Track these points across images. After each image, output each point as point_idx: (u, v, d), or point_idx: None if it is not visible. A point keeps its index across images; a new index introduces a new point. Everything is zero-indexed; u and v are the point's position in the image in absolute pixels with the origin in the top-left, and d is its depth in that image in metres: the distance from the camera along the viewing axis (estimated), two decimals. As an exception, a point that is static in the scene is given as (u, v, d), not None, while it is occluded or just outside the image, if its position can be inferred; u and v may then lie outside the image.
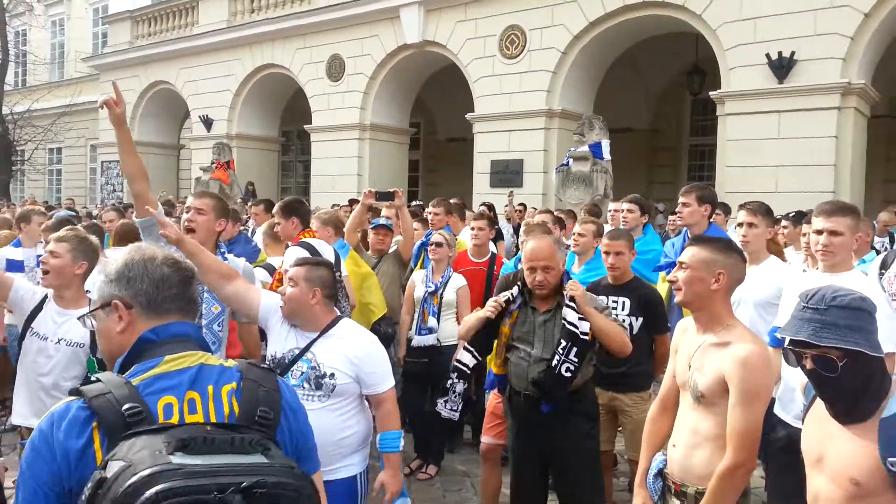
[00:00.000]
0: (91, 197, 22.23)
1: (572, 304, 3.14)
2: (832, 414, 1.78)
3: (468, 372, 3.32)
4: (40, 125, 22.30)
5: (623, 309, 3.91)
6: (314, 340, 2.81)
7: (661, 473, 2.51)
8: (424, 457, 5.02)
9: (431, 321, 4.88)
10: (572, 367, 3.07)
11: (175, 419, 1.33)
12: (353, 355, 2.77)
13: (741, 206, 3.90)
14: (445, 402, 3.40)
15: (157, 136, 20.00)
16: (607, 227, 5.65)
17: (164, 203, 9.86)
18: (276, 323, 2.92)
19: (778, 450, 3.11)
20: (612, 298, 3.90)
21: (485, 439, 3.99)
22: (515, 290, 3.29)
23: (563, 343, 3.09)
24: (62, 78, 24.76)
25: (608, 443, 4.00)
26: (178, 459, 1.20)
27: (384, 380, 2.84)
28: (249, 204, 9.63)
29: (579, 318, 3.11)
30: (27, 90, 24.58)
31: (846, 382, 1.72)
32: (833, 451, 1.70)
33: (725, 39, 10.22)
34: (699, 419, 2.36)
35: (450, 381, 3.39)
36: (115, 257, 1.56)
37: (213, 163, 14.52)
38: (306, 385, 2.76)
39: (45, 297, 3.37)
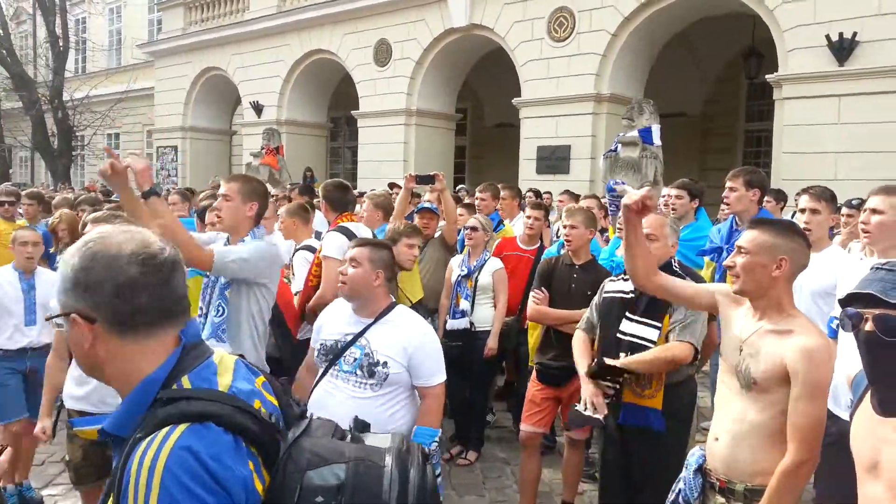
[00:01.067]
0: (147, 181, 22.80)
1: (632, 315, 3.10)
2: (877, 405, 1.54)
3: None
4: (98, 111, 22.97)
5: None
6: (369, 326, 2.76)
7: (701, 469, 2.38)
8: (464, 443, 5.02)
9: (464, 304, 4.86)
10: (644, 380, 3.05)
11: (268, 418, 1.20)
12: (408, 343, 2.72)
13: (804, 191, 3.71)
14: (584, 404, 3.25)
15: (210, 122, 20.41)
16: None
17: (213, 187, 10.08)
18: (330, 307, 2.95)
19: (828, 446, 2.99)
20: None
21: (524, 427, 3.97)
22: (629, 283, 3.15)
23: (623, 356, 3.05)
24: (119, 64, 25.44)
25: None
26: (351, 450, 1.22)
27: (434, 373, 2.77)
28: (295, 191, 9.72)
29: (641, 325, 3.05)
30: (86, 77, 25.34)
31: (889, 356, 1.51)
32: (891, 456, 1.52)
33: (783, 20, 9.83)
34: (746, 408, 2.24)
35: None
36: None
37: (262, 148, 14.72)
38: (359, 372, 2.73)
39: None
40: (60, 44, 22.38)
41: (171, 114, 20.37)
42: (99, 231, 1.23)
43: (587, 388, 3.11)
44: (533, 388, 3.97)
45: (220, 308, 3.17)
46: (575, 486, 4.04)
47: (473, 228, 5.04)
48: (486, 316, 4.87)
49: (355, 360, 2.73)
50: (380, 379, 2.69)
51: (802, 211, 3.55)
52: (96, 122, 23.01)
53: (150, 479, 1.02)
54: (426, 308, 4.96)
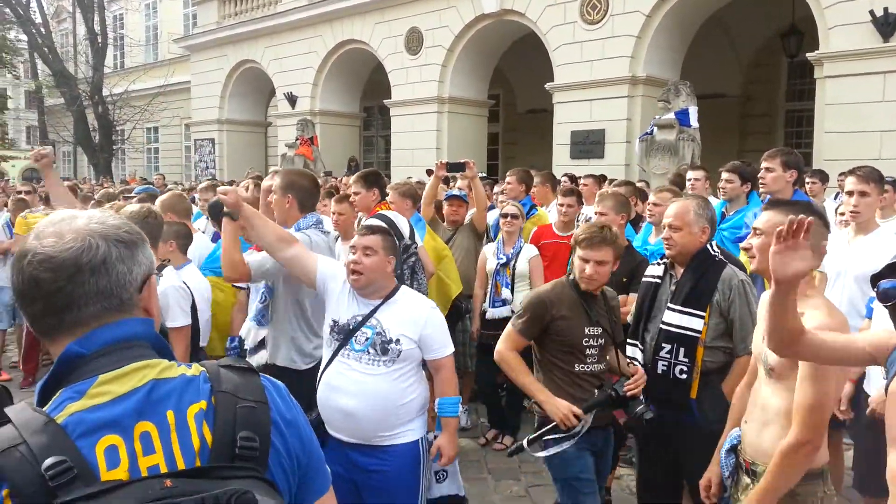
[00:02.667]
0: (186, 174, 23.24)
1: (672, 304, 3.02)
2: None
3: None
4: (137, 105, 23.42)
5: None
6: (378, 307, 2.84)
7: (734, 449, 2.42)
8: (500, 428, 5.04)
9: (505, 293, 4.87)
10: (686, 369, 2.94)
11: (123, 468, 0.95)
12: (419, 319, 2.83)
13: (850, 172, 3.61)
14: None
15: (246, 115, 20.66)
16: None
17: (252, 178, 10.20)
18: (335, 289, 2.94)
19: (864, 428, 2.96)
20: None
21: None
22: (661, 268, 3.17)
23: (668, 346, 2.98)
24: (156, 59, 25.87)
25: None
26: None
27: (444, 345, 2.89)
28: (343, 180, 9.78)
29: (684, 314, 2.96)
30: (124, 72, 25.84)
31: None
32: None
33: (825, -4, 9.56)
34: (770, 394, 2.27)
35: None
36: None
37: (297, 139, 14.86)
38: (371, 351, 2.80)
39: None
40: (99, 40, 22.86)
41: (207, 107, 20.66)
42: (43, 223, 1.10)
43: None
44: None
45: (264, 296, 3.41)
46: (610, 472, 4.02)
47: (514, 216, 5.03)
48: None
49: (367, 339, 2.80)
50: (393, 356, 2.78)
51: (850, 193, 3.45)
52: (135, 117, 23.47)
53: None
54: (462, 295, 4.99)
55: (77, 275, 1.02)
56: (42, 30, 23.44)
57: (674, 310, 3.00)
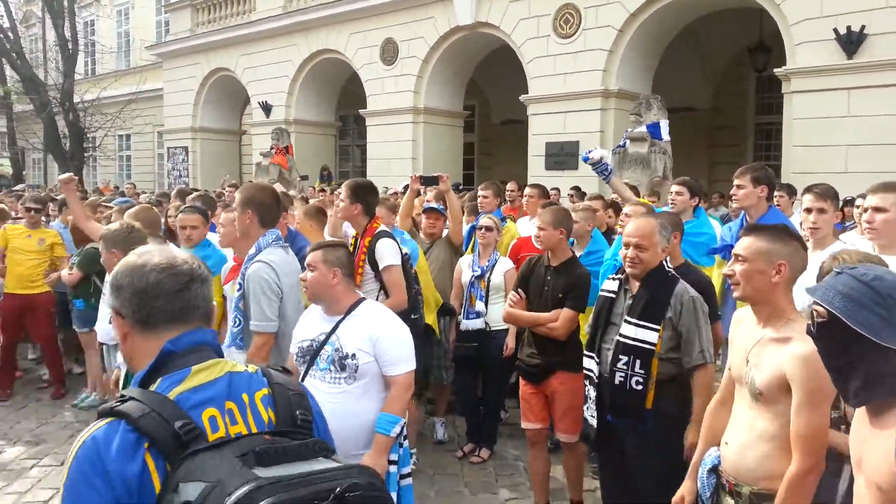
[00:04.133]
0: (159, 182, 22.98)
1: (629, 317, 3.10)
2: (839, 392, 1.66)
3: (595, 379, 3.24)
4: (109, 112, 23.12)
5: None
6: (339, 322, 2.82)
7: (715, 469, 2.42)
8: (476, 441, 5.06)
9: (479, 305, 4.91)
10: (641, 380, 3.03)
11: (221, 432, 1.29)
12: (372, 332, 2.76)
13: (807, 190, 3.71)
14: (586, 408, 3.32)
15: (219, 123, 20.51)
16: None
17: (229, 186, 10.14)
18: (295, 311, 3.04)
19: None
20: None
21: (524, 424, 4.05)
22: (615, 283, 3.27)
23: (625, 358, 3.06)
24: (128, 66, 25.57)
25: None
26: (263, 473, 1.16)
27: (399, 361, 2.78)
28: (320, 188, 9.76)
29: (640, 328, 3.05)
30: (96, 79, 25.49)
31: (824, 348, 1.64)
32: (866, 452, 1.60)
33: (790, 14, 9.80)
34: (755, 417, 2.25)
35: (586, 388, 3.34)
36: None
37: (272, 148, 14.79)
38: (332, 368, 2.77)
39: None
40: (70, 46, 22.52)
41: (180, 115, 20.49)
42: (145, 247, 1.50)
43: None
44: (522, 386, 4.07)
45: (237, 319, 3.36)
46: (578, 485, 4.07)
47: (487, 228, 5.08)
48: (500, 315, 4.90)
49: (328, 356, 2.79)
50: (351, 371, 2.73)
51: (808, 210, 3.55)
52: (107, 124, 23.15)
53: (71, 459, 1.25)
54: (446, 308, 5.04)
55: (191, 282, 1.41)
56: (10, 34, 23.03)
57: (630, 323, 3.09)
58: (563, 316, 3.81)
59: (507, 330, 4.89)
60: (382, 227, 4.18)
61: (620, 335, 3.10)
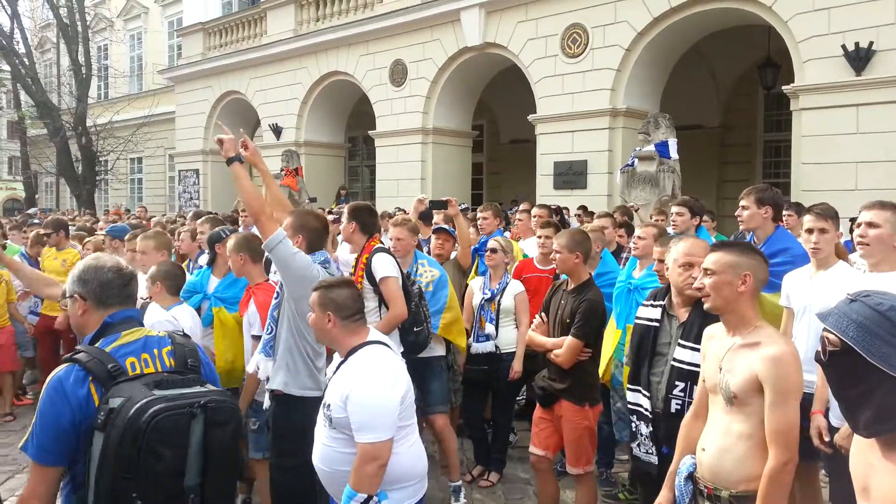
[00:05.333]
0: (171, 204, 23.15)
1: (684, 341, 2.99)
2: (851, 426, 1.63)
3: (648, 414, 3.13)
4: (121, 136, 23.39)
5: None
6: (339, 365, 2.77)
7: (691, 477, 2.50)
8: (486, 464, 5.02)
9: (489, 328, 4.89)
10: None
11: (139, 371, 2.04)
12: (343, 390, 2.61)
13: (807, 211, 3.71)
14: (638, 445, 3.21)
15: (229, 145, 20.64)
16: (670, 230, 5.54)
17: (242, 210, 10.18)
18: None
19: (834, 454, 3.05)
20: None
21: (530, 449, 3.99)
22: (657, 311, 3.19)
23: (681, 385, 2.95)
24: (141, 90, 25.89)
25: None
26: (158, 392, 1.93)
27: (363, 429, 2.54)
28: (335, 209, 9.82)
29: (697, 351, 2.89)
30: (108, 102, 25.82)
31: (835, 378, 1.62)
32: (876, 482, 1.58)
33: (798, 31, 9.81)
34: (731, 421, 2.39)
35: (634, 425, 3.25)
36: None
37: (282, 170, 14.88)
38: (324, 410, 2.73)
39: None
40: (83, 71, 22.86)
41: (191, 137, 20.68)
42: (96, 255, 2.33)
43: None
44: (536, 409, 4.03)
45: (270, 327, 3.55)
46: None
47: (493, 251, 5.07)
48: (511, 338, 4.90)
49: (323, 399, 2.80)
50: (328, 420, 2.67)
51: (810, 231, 3.53)
52: (119, 148, 23.41)
53: (44, 390, 2.01)
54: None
55: (132, 280, 2.26)
56: (25, 60, 23.42)
57: (686, 347, 2.96)
58: (566, 344, 3.74)
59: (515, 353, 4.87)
60: (379, 245, 4.22)
61: (675, 360, 2.98)
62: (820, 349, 1.62)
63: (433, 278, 4.60)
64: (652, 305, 3.25)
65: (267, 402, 3.56)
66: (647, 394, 3.12)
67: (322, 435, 2.74)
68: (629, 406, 3.27)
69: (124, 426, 1.83)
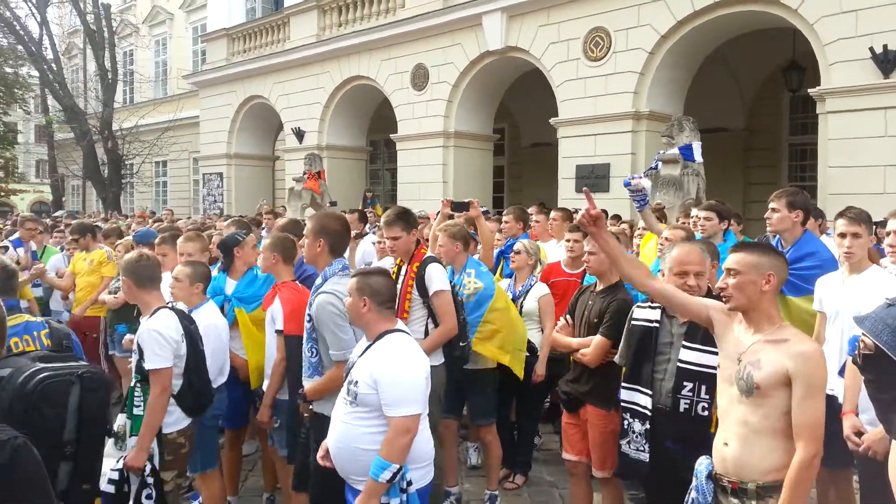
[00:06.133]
0: (195, 207, 23.43)
1: (689, 343, 3.06)
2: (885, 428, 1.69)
3: (646, 412, 3.19)
4: (146, 140, 23.73)
5: None
6: (367, 348, 2.91)
7: (710, 475, 2.55)
8: (511, 467, 5.03)
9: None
10: (707, 406, 2.98)
11: (21, 349, 2.65)
12: (374, 368, 2.76)
13: (840, 215, 3.66)
14: (628, 442, 3.26)
15: (254, 149, 20.90)
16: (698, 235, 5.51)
17: (267, 213, 10.29)
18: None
19: (866, 459, 3.04)
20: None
21: (564, 455, 4.00)
22: (656, 311, 3.26)
23: (689, 385, 3.02)
24: (165, 94, 26.25)
25: None
26: (41, 365, 2.28)
27: (397, 403, 2.71)
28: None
29: (703, 352, 2.99)
30: (134, 107, 26.23)
31: (871, 381, 1.68)
32: None
33: (824, 34, 9.72)
34: (748, 411, 2.45)
35: (626, 422, 3.29)
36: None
37: (304, 173, 15.01)
38: (347, 389, 2.87)
39: None
40: (110, 76, 23.23)
41: (216, 141, 20.92)
42: None
43: None
44: (565, 419, 4.02)
45: (313, 349, 3.43)
46: None
47: (516, 252, 5.08)
48: (535, 341, 4.88)
49: (348, 378, 2.90)
50: (352, 396, 2.80)
51: (843, 235, 3.51)
52: (145, 151, 23.74)
53: None
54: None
55: (15, 274, 3.24)
56: (53, 66, 23.86)
57: (691, 348, 3.05)
58: (594, 343, 3.75)
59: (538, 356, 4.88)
60: (430, 253, 4.22)
61: (682, 361, 3.05)
62: (856, 353, 1.64)
63: (476, 290, 4.44)
64: (650, 307, 3.30)
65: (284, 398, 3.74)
66: (649, 392, 3.19)
67: (340, 413, 2.87)
68: (623, 404, 3.31)
69: (13, 391, 2.16)
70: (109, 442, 3.41)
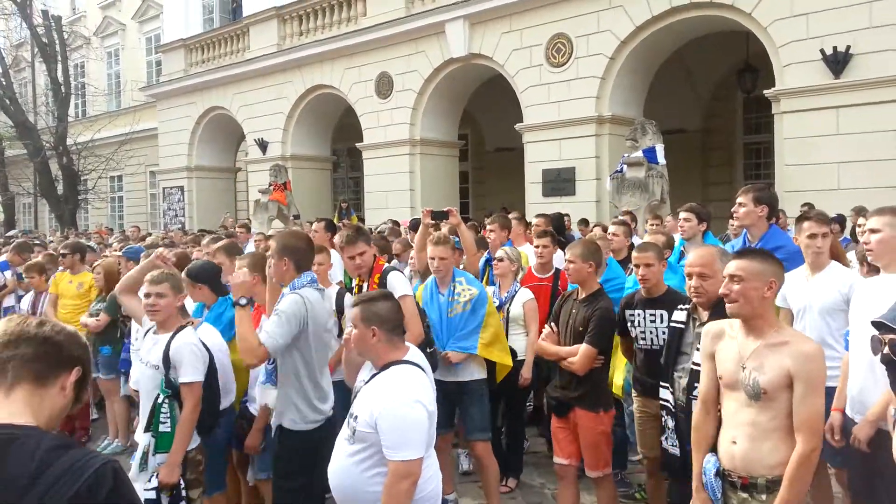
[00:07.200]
0: (152, 222, 23.02)
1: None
2: None
3: (673, 408, 3.31)
4: (102, 154, 23.20)
5: (661, 322, 3.78)
6: (371, 378, 2.77)
7: (719, 473, 2.64)
8: (504, 471, 5.12)
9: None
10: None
11: None
12: (374, 407, 2.59)
13: (804, 218, 3.91)
14: (666, 438, 3.39)
15: (215, 161, 20.60)
16: (676, 236, 5.71)
17: (240, 227, 10.20)
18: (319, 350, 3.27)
19: (855, 450, 3.19)
20: (648, 312, 3.88)
21: (554, 460, 4.12)
22: (683, 314, 3.38)
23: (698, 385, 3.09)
24: (119, 107, 25.72)
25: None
26: None
27: (396, 447, 2.52)
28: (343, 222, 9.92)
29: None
30: (87, 121, 25.62)
31: (892, 372, 1.77)
32: None
33: (777, 37, 10.10)
34: (756, 413, 2.53)
35: (663, 420, 3.41)
36: None
37: (270, 185, 14.92)
38: (349, 420, 2.72)
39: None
40: (63, 90, 22.68)
41: (175, 154, 20.60)
42: None
43: None
44: (554, 423, 4.12)
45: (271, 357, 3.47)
46: None
47: (499, 259, 5.19)
48: (520, 346, 4.99)
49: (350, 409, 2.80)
50: (352, 430, 2.64)
51: (813, 236, 3.75)
52: (100, 166, 23.22)
53: None
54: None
55: None
56: (3, 80, 23.19)
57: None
58: (581, 352, 3.87)
59: (524, 360, 4.99)
60: (388, 264, 4.31)
61: (695, 363, 3.11)
62: (890, 355, 1.75)
63: (472, 296, 4.44)
64: (680, 309, 3.45)
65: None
66: (672, 389, 3.33)
67: (342, 449, 2.71)
68: (661, 402, 3.43)
69: None
70: (133, 465, 3.42)
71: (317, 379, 3.40)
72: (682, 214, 5.26)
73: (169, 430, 3.41)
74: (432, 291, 4.57)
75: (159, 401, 3.47)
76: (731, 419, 2.62)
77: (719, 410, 2.73)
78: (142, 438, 3.51)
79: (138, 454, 3.46)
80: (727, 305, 2.67)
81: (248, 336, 3.19)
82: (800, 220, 4.02)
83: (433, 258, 4.49)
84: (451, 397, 4.42)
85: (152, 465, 3.40)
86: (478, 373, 4.51)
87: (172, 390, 3.46)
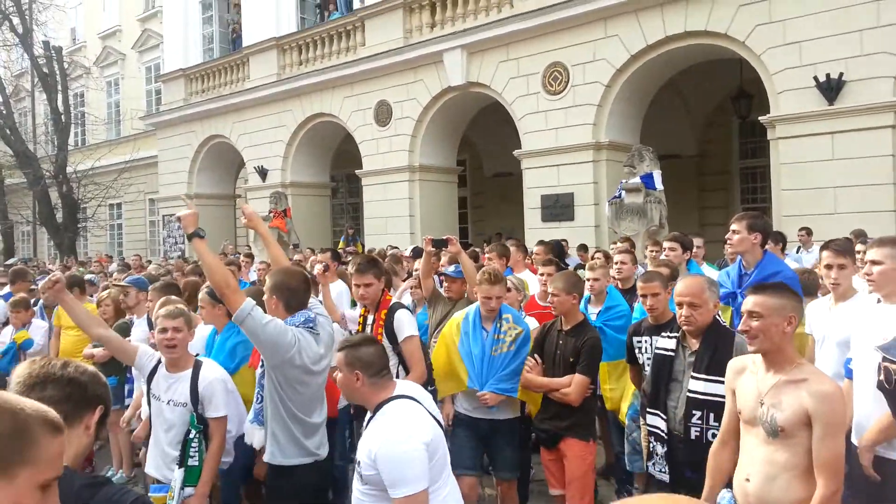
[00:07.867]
0: (152, 249, 23.04)
1: (696, 373, 3.22)
2: None
3: (664, 435, 3.35)
4: (102, 182, 23.31)
5: None
6: (368, 422, 2.79)
7: None
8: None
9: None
10: (717, 432, 3.05)
11: None
12: (371, 447, 2.60)
13: (825, 247, 3.90)
14: (653, 464, 3.43)
15: (214, 188, 20.69)
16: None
17: (245, 255, 10.23)
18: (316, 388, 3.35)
19: (858, 475, 3.21)
20: (655, 338, 3.87)
21: (553, 492, 4.17)
22: (672, 341, 3.42)
23: (699, 413, 3.16)
24: (119, 136, 25.90)
25: None
26: None
27: (396, 484, 2.53)
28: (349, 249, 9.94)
29: (710, 382, 3.13)
30: (87, 149, 25.76)
31: (891, 402, 1.80)
32: None
33: (771, 64, 10.27)
34: (774, 451, 2.51)
35: (651, 446, 3.44)
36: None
37: (270, 212, 14.99)
38: (356, 465, 2.74)
39: (159, 360, 3.73)
40: (63, 119, 22.85)
41: (175, 182, 20.69)
42: None
43: None
44: (545, 455, 4.17)
45: (259, 395, 3.55)
46: None
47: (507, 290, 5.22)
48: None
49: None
50: (359, 474, 2.67)
51: (829, 267, 3.74)
52: (100, 194, 23.32)
53: None
54: None
55: None
56: (3, 109, 23.37)
57: (699, 378, 3.22)
58: (575, 382, 3.93)
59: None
60: (396, 301, 4.30)
61: (690, 391, 3.20)
62: (883, 377, 1.79)
63: (517, 336, 4.18)
64: (668, 336, 3.50)
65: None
66: (665, 417, 3.37)
67: (356, 487, 2.74)
68: (647, 427, 3.48)
69: None
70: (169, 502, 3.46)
71: (301, 416, 3.30)
72: (667, 244, 5.35)
73: (197, 463, 3.48)
74: (475, 324, 4.26)
75: (190, 436, 3.53)
76: (749, 455, 2.61)
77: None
78: (176, 473, 3.53)
79: (175, 491, 3.47)
80: (748, 343, 2.65)
81: (222, 269, 3.23)
82: (822, 248, 4.04)
83: (489, 297, 4.17)
84: (481, 435, 4.27)
85: (183, 497, 3.45)
86: (511, 412, 4.32)
87: (204, 425, 3.55)
